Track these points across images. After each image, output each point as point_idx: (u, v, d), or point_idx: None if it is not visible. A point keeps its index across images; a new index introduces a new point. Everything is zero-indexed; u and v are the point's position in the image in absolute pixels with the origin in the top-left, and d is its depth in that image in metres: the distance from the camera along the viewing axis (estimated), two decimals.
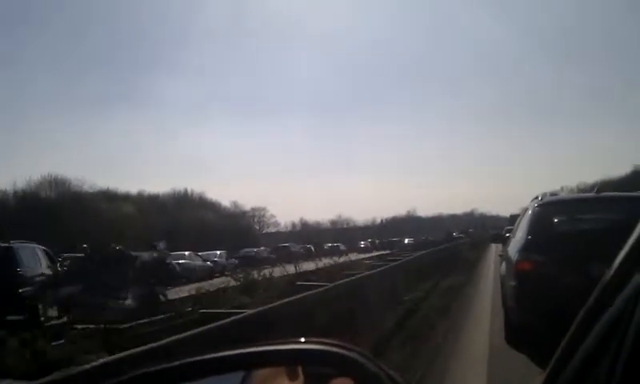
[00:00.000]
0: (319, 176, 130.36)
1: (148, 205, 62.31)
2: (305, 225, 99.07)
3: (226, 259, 34.37)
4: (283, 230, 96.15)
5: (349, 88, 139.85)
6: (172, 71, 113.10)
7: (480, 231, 60.78)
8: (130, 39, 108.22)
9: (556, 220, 7.24)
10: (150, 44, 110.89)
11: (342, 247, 56.42)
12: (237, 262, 33.84)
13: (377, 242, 64.84)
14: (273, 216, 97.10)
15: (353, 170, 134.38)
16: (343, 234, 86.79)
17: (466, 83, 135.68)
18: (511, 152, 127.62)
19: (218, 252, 33.66)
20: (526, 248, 6.74)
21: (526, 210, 8.05)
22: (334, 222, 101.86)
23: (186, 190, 70.12)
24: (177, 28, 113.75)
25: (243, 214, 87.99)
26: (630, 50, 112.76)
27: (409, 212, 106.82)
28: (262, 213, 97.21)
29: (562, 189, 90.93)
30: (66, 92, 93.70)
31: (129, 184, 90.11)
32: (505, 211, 67.74)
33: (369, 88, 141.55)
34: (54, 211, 45.69)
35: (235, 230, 70.27)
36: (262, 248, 42.80)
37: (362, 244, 61.50)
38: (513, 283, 6.68)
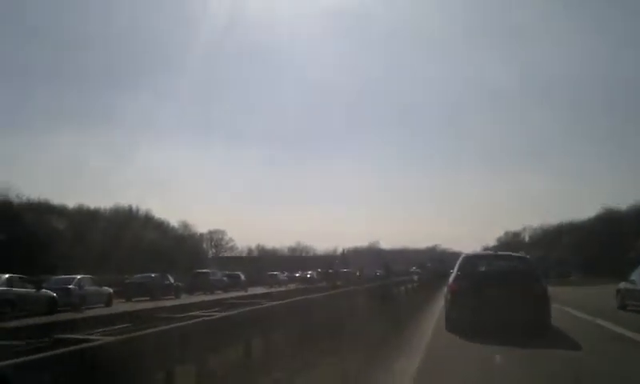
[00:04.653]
0: (280, 203, 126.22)
1: (86, 220, 57.67)
2: (262, 251, 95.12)
3: (92, 286, 24.60)
4: (239, 255, 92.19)
5: (313, 120, 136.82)
6: (125, 88, 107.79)
7: (438, 266, 57.79)
8: (80, 53, 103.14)
9: (472, 264, 12.91)
10: (101, 59, 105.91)
11: (283, 276, 52.19)
12: (110, 291, 25.71)
13: (328, 271, 60.21)
14: (231, 240, 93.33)
15: (316, 199, 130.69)
16: (301, 262, 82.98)
17: (430, 122, 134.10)
18: (478, 191, 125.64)
19: (78, 276, 23.94)
20: (455, 278, 12.07)
21: (459, 256, 13.59)
22: (292, 250, 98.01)
23: (130, 207, 65.40)
24: (132, 45, 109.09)
25: (199, 235, 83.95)
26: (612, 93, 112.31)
27: (371, 243, 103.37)
28: (220, 236, 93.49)
29: (524, 229, 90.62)
30: (10, 105, 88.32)
31: (69, 199, 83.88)
32: (468, 248, 65.16)
33: (331, 121, 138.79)
34: None
35: (183, 252, 65.87)
36: (156, 274, 32.29)
37: (309, 274, 57.42)
38: (448, 296, 12.09)
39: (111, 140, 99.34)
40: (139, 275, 32.54)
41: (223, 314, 7.23)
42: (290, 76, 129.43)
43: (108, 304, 24.41)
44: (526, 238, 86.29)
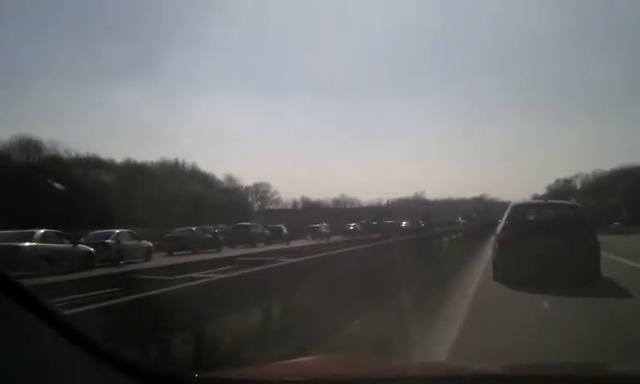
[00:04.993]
0: (324, 155, 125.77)
1: (134, 174, 58.68)
2: (306, 203, 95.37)
3: (131, 240, 24.35)
4: (284, 208, 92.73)
5: (356, 71, 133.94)
6: (169, 41, 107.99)
7: (484, 216, 56.37)
8: (132, 10, 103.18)
9: (521, 213, 13.11)
10: (149, 15, 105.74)
11: (324, 229, 51.65)
12: (150, 245, 25.47)
13: (370, 223, 59.22)
14: (276, 192, 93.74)
15: (360, 150, 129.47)
16: (345, 213, 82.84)
17: (482, 69, 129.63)
18: (527, 138, 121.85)
19: (117, 231, 23.56)
20: (503, 227, 12.20)
21: (508, 206, 13.54)
22: (336, 201, 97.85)
23: (176, 161, 66.19)
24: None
25: (245, 188, 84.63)
26: None
27: (416, 194, 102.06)
28: (266, 189, 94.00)
29: (575, 176, 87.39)
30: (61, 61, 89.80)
31: (117, 153, 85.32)
32: (516, 197, 62.94)
33: (376, 71, 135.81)
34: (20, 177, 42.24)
35: (229, 205, 66.51)
36: (196, 228, 32.40)
37: (352, 226, 57.06)
38: (496, 246, 12.19)
39: (157, 94, 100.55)
40: (179, 229, 32.32)
41: (216, 277, 6.27)
42: (335, 23, 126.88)
43: (147, 258, 23.85)
44: (578, 185, 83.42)
